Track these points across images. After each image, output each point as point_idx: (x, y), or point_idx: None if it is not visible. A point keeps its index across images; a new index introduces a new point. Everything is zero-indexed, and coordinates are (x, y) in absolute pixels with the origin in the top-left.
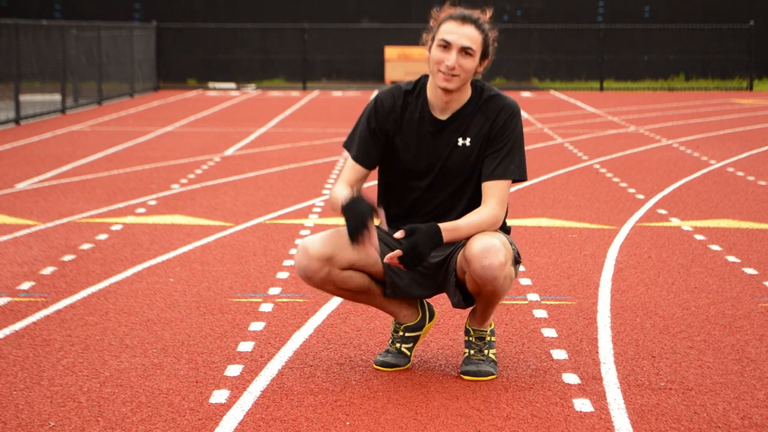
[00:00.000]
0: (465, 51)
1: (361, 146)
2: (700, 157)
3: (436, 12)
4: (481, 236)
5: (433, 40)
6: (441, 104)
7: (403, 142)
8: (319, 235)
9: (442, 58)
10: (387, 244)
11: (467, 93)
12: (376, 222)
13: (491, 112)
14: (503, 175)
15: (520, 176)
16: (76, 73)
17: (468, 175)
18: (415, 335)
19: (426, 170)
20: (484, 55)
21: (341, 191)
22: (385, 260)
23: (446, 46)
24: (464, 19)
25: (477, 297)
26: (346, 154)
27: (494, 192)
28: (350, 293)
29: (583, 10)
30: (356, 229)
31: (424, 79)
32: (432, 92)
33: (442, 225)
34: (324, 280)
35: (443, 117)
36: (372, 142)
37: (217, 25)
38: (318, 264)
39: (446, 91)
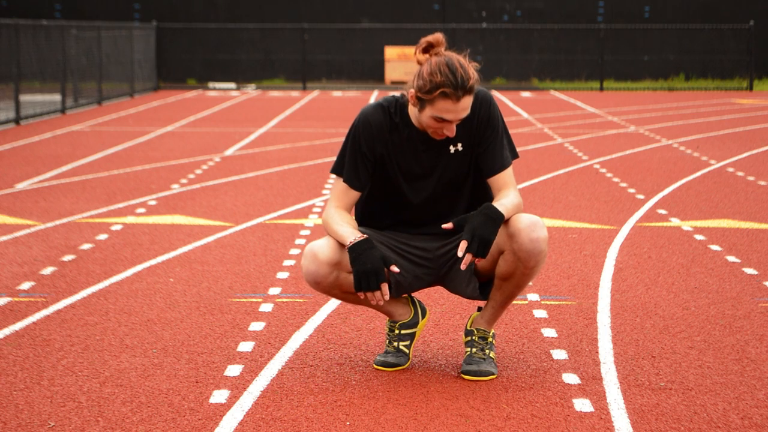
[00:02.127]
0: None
1: (351, 169)
2: (700, 157)
3: (426, 80)
4: (523, 214)
5: (421, 102)
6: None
7: (396, 161)
8: (325, 240)
9: (440, 127)
10: (404, 256)
11: None
12: (394, 269)
13: (471, 110)
14: (504, 165)
15: (514, 157)
16: (76, 73)
17: (465, 177)
18: (410, 332)
19: (424, 182)
20: None
21: (340, 224)
22: (462, 266)
23: (443, 120)
24: (457, 94)
25: (504, 283)
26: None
27: (505, 181)
28: (353, 296)
29: (583, 10)
30: (366, 287)
31: (402, 99)
32: (415, 119)
33: (494, 203)
34: (332, 284)
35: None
36: (362, 164)
37: (217, 25)
38: (327, 269)
39: None
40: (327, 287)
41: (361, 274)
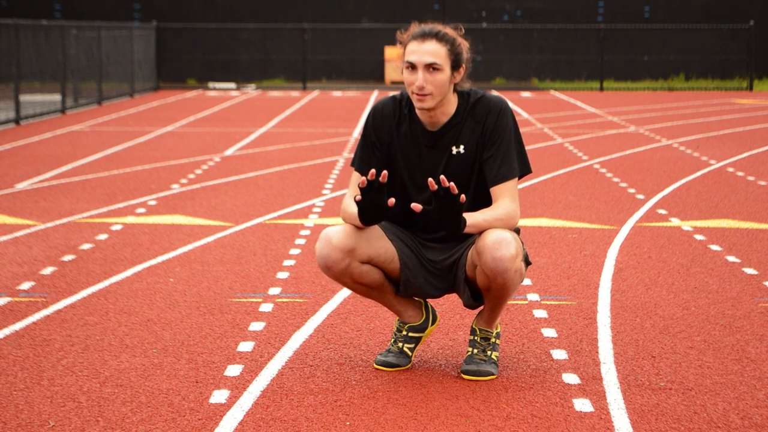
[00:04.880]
0: (431, 67)
1: (364, 159)
2: (700, 157)
3: (401, 34)
4: (493, 230)
5: (403, 60)
6: (427, 120)
7: (400, 155)
8: (342, 227)
9: (411, 80)
10: (422, 264)
11: (453, 104)
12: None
13: (480, 116)
14: (508, 177)
15: (524, 171)
16: (76, 73)
17: (467, 183)
18: (417, 336)
19: (425, 183)
20: (455, 65)
21: (352, 206)
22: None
23: (412, 67)
24: (424, 36)
25: (486, 293)
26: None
27: (504, 192)
28: (364, 288)
29: (583, 10)
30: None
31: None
32: (417, 110)
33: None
34: (343, 271)
35: (435, 129)
36: (372, 153)
37: (217, 25)
38: (340, 255)
39: (426, 110)
40: (338, 273)
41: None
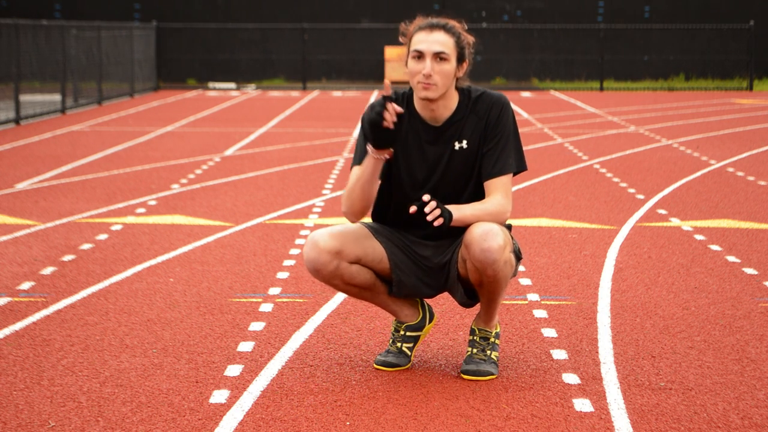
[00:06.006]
0: (439, 56)
1: (362, 156)
2: (700, 157)
3: (405, 26)
4: (480, 223)
5: (407, 51)
6: (429, 114)
7: (400, 152)
8: (328, 229)
9: (418, 68)
10: (407, 254)
11: (454, 100)
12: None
13: (482, 111)
14: (503, 171)
15: (519, 168)
16: (76, 73)
17: (467, 179)
18: (415, 335)
19: (426, 179)
20: (460, 58)
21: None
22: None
23: (419, 56)
24: (432, 27)
25: (479, 289)
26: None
27: (497, 186)
28: (356, 289)
29: (583, 10)
30: (376, 121)
31: (408, 92)
32: (418, 104)
33: (449, 206)
34: (332, 273)
35: (437, 125)
36: None
37: (217, 25)
38: (327, 257)
39: (429, 100)
40: (327, 276)
41: (369, 124)
